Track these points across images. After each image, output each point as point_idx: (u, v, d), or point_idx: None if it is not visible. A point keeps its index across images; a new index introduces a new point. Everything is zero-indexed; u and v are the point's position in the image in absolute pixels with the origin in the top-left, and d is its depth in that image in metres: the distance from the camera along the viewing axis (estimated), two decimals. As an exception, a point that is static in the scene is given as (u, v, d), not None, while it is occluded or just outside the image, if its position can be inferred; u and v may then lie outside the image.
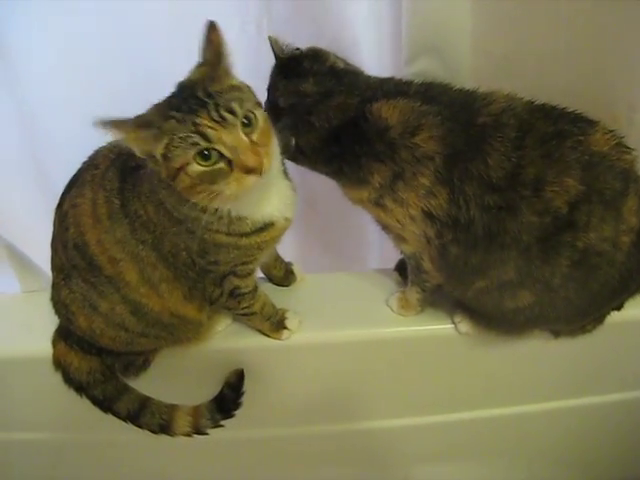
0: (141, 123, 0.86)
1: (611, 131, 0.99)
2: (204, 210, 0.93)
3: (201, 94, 0.85)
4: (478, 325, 1.18)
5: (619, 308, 1.18)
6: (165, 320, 1.08)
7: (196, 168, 0.85)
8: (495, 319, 1.14)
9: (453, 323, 1.21)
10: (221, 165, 0.86)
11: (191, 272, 1.04)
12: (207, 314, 1.14)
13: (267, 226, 1.01)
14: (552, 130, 0.97)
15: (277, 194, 1.02)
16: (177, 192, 0.91)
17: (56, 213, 1.09)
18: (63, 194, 1.08)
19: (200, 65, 0.91)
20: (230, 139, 0.85)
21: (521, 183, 0.95)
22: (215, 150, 0.85)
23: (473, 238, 0.98)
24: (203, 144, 0.84)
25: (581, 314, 1.11)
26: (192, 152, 0.84)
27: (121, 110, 1.10)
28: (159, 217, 0.98)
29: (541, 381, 1.36)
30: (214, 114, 0.84)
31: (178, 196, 0.93)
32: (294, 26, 1.23)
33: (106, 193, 1.01)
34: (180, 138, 0.83)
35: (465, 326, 1.19)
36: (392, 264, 1.36)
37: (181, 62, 0.91)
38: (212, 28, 0.89)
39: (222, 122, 0.84)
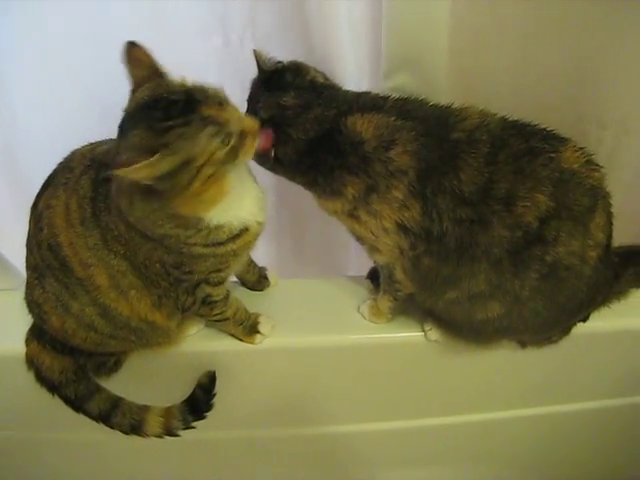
0: (146, 153, 0.82)
1: (581, 148, 1.01)
2: (185, 226, 0.95)
3: (177, 96, 0.87)
4: (447, 334, 1.20)
5: (585, 320, 1.20)
6: (133, 324, 1.08)
7: (220, 154, 0.88)
8: (465, 329, 1.15)
9: (423, 331, 1.23)
10: (235, 140, 0.90)
11: (163, 281, 1.04)
12: (177, 321, 1.14)
13: (242, 232, 1.02)
14: (524, 147, 0.98)
15: (249, 198, 1.03)
16: (156, 212, 0.92)
17: (31, 213, 1.09)
18: (39, 194, 1.08)
19: (139, 87, 0.91)
20: (235, 115, 0.90)
21: (493, 198, 0.96)
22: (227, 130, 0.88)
23: (445, 250, 1.00)
24: (223, 130, 0.87)
25: (549, 325, 1.13)
26: (217, 141, 0.87)
27: (100, 109, 1.11)
28: (131, 235, 0.98)
29: (508, 389, 1.38)
30: (211, 102, 0.87)
31: (156, 217, 0.93)
32: (277, 38, 1.24)
33: (79, 199, 1.01)
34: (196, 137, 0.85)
35: (434, 334, 1.21)
36: (366, 271, 1.37)
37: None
38: (134, 47, 0.90)
39: (223, 105, 0.89)
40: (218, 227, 0.98)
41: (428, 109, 1.05)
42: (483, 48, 1.12)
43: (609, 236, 1.05)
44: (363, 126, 1.01)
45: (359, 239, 1.14)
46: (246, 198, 1.02)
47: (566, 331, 1.21)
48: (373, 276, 1.32)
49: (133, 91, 0.92)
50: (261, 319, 1.22)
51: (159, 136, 0.84)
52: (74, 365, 1.18)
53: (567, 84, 1.17)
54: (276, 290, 1.35)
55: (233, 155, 0.90)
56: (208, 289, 1.08)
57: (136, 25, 1.22)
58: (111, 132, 1.06)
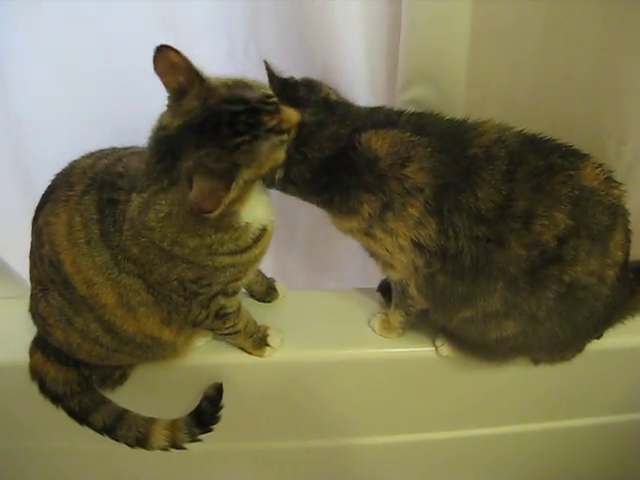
0: (220, 175, 0.83)
1: (600, 165, 1.00)
2: (226, 228, 0.94)
3: (237, 107, 0.85)
4: (460, 350, 1.18)
5: (598, 337, 1.18)
6: (139, 340, 1.06)
7: (280, 157, 0.92)
8: (478, 347, 1.14)
9: (434, 346, 1.21)
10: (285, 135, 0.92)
11: (177, 296, 1.03)
12: (185, 336, 1.12)
13: (262, 233, 1.00)
14: (543, 164, 0.96)
15: (262, 195, 1.02)
16: (192, 224, 0.91)
17: (32, 226, 1.06)
18: (38, 207, 1.05)
19: (179, 95, 0.87)
20: (287, 114, 0.92)
21: (510, 216, 0.94)
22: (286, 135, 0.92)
23: (461, 268, 0.98)
24: (284, 137, 0.91)
25: (564, 345, 1.12)
26: (280, 148, 0.91)
27: (106, 113, 1.10)
28: (147, 257, 0.96)
29: (518, 404, 1.36)
30: (270, 108, 0.88)
31: (198, 226, 0.92)
32: (282, 50, 1.22)
33: (83, 220, 0.98)
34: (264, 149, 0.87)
35: (446, 350, 1.20)
36: (375, 282, 1.35)
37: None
38: (166, 51, 0.84)
39: (277, 106, 0.89)
40: (247, 226, 0.97)
41: (444, 124, 1.03)
42: (503, 60, 1.10)
43: (627, 254, 1.03)
44: (378, 143, 0.99)
45: (373, 255, 1.12)
46: (261, 196, 1.01)
47: (580, 349, 1.19)
48: (384, 289, 1.31)
49: (173, 101, 0.89)
50: (270, 332, 1.21)
51: (230, 155, 0.84)
52: (79, 377, 1.16)
53: (587, 97, 1.15)
54: (284, 302, 1.33)
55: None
56: (223, 300, 1.06)
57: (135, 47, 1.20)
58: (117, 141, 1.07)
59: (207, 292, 1.03)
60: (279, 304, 1.33)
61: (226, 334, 1.15)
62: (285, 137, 0.91)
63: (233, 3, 1.17)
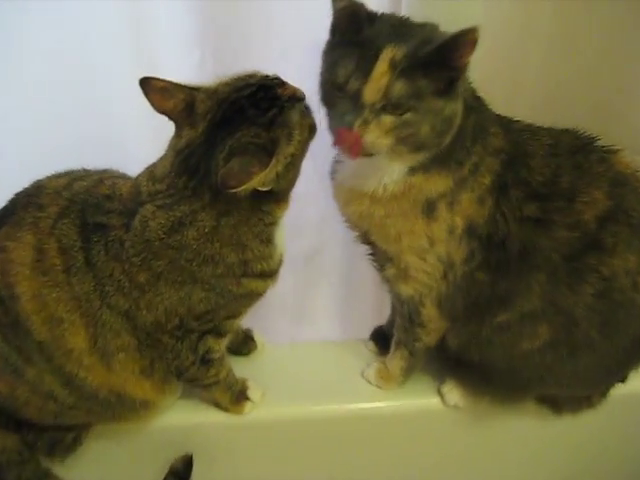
0: (261, 150, 0.83)
1: (630, 158, 1.00)
2: (268, 240, 0.91)
3: (251, 89, 0.85)
4: (470, 392, 1.10)
5: (623, 380, 1.12)
6: (102, 396, 0.93)
7: (312, 119, 0.92)
8: (495, 377, 1.06)
9: (440, 394, 1.11)
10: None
11: (168, 338, 0.92)
12: (164, 392, 1.00)
13: (280, 262, 0.97)
14: (579, 143, 0.99)
15: (283, 227, 0.97)
16: (248, 230, 0.88)
17: None
18: None
19: (180, 114, 0.86)
20: (293, 88, 0.91)
21: (557, 193, 0.95)
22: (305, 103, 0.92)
23: (505, 259, 0.96)
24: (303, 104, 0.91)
25: (595, 372, 1.05)
26: (306, 116, 0.90)
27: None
28: (156, 284, 0.87)
29: (534, 462, 1.23)
30: (277, 82, 0.89)
31: (244, 237, 0.88)
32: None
33: (61, 245, 0.88)
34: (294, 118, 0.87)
35: (454, 396, 1.11)
36: (360, 333, 1.26)
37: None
38: (151, 81, 0.84)
39: (282, 81, 0.90)
40: (276, 248, 0.94)
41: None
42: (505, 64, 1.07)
43: None
44: None
45: (390, 261, 1.01)
46: (283, 226, 0.96)
47: (604, 393, 1.12)
48: (378, 336, 1.23)
49: (182, 121, 0.86)
50: (250, 384, 1.09)
51: (267, 131, 0.83)
52: (20, 443, 0.99)
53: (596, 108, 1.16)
54: (263, 355, 1.21)
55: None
56: (211, 342, 0.97)
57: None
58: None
59: (200, 329, 0.94)
60: (258, 357, 1.20)
61: (206, 385, 1.03)
62: (306, 109, 0.90)
63: (204, 16, 1.12)
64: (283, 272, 0.98)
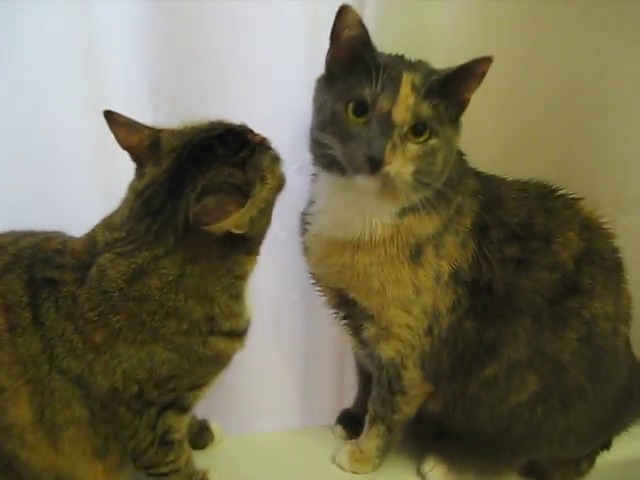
0: (235, 191, 0.79)
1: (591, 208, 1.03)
2: (237, 296, 0.85)
3: (220, 131, 0.83)
4: (454, 468, 1.03)
5: (607, 446, 1.08)
6: None
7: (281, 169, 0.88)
8: (482, 443, 1.01)
9: (420, 475, 1.03)
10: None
11: (126, 411, 0.82)
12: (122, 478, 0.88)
13: (247, 327, 0.90)
14: (545, 190, 1.02)
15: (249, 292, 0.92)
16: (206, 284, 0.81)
17: None
18: None
19: (144, 148, 0.82)
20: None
21: (533, 234, 0.96)
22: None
23: (491, 302, 0.94)
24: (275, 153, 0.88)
25: (586, 427, 1.00)
26: (278, 164, 0.88)
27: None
28: (114, 343, 0.78)
29: None
30: (245, 129, 0.86)
31: (206, 290, 0.82)
32: None
33: (5, 301, 0.79)
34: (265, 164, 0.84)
35: (437, 475, 1.03)
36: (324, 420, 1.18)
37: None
38: (113, 115, 0.81)
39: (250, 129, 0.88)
40: (245, 308, 0.88)
41: None
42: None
43: (628, 321, 1.03)
44: None
45: (371, 321, 0.96)
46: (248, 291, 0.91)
47: (592, 460, 1.08)
48: (346, 420, 1.15)
49: (147, 159, 0.82)
50: (211, 475, 0.97)
51: (241, 171, 0.80)
52: None
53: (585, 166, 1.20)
54: (222, 447, 1.08)
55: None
56: (172, 418, 0.87)
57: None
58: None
59: (162, 401, 0.84)
60: (216, 450, 1.07)
61: (164, 474, 0.91)
62: (275, 153, 0.86)
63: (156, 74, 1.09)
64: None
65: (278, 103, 1.08)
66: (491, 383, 0.96)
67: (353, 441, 1.06)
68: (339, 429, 1.14)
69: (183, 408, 0.88)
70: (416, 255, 0.92)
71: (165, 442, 0.88)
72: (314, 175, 0.98)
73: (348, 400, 1.19)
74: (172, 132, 0.82)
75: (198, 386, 0.88)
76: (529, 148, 1.17)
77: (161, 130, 0.82)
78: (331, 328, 1.10)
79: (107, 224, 0.82)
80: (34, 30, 0.99)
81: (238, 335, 0.88)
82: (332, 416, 1.18)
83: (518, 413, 0.97)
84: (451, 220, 0.94)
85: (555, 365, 0.96)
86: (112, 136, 0.82)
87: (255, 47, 1.06)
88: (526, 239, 0.96)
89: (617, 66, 1.15)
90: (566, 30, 1.13)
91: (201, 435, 1.07)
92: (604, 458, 1.07)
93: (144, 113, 0.98)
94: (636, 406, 1.07)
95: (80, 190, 1.06)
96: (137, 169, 0.82)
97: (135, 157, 0.82)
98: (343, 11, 0.84)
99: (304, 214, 0.98)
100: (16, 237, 0.85)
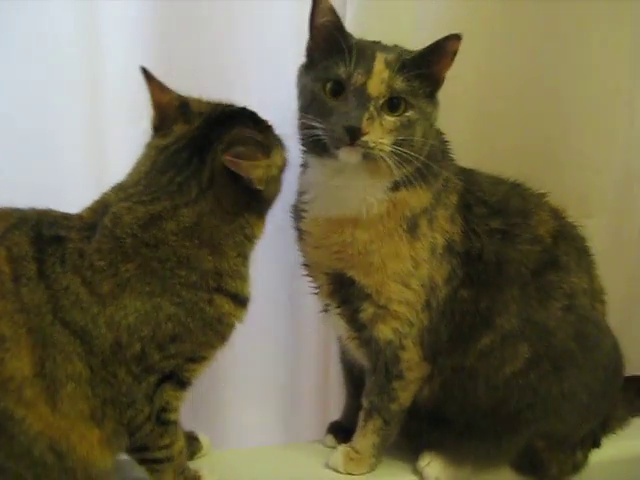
0: (260, 146, 0.84)
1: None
2: (245, 256, 0.89)
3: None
4: (451, 460, 1.03)
5: (597, 444, 1.12)
6: (38, 452, 0.76)
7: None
8: (480, 424, 1.02)
9: (418, 472, 1.02)
10: None
11: (125, 373, 0.81)
12: (116, 449, 0.85)
13: (250, 294, 0.91)
14: (514, 182, 1.09)
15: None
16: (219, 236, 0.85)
17: None
18: None
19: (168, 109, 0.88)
20: None
21: (512, 211, 1.04)
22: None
23: (484, 270, 1.00)
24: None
25: (581, 396, 1.03)
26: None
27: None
28: (122, 294, 0.80)
29: None
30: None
31: (218, 242, 0.85)
32: None
33: (10, 254, 0.79)
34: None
35: (435, 469, 1.03)
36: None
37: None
38: (151, 78, 0.88)
39: None
40: (249, 276, 0.90)
41: None
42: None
43: (603, 302, 1.12)
44: None
45: (369, 301, 0.98)
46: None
47: (586, 452, 1.10)
48: (336, 429, 1.14)
49: (172, 119, 0.87)
50: (203, 473, 0.95)
51: (263, 134, 0.85)
52: None
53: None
54: (210, 460, 1.04)
55: None
56: (170, 392, 0.86)
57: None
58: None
59: (163, 368, 0.84)
60: (204, 462, 1.02)
61: (157, 459, 0.89)
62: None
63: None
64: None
65: (278, 103, 1.10)
66: (487, 353, 1.00)
67: (347, 444, 1.04)
68: (330, 438, 1.12)
69: (182, 382, 0.88)
70: (412, 228, 0.96)
71: (161, 421, 0.87)
72: (303, 166, 1.01)
73: (333, 416, 1.17)
74: (197, 99, 0.90)
75: (198, 359, 0.89)
76: (494, 159, 1.21)
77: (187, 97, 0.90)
78: (315, 344, 1.12)
79: (120, 187, 0.86)
80: (34, 27, 1.03)
81: (241, 302, 0.89)
82: (318, 432, 1.16)
83: (513, 383, 0.99)
84: (440, 194, 0.99)
85: (543, 331, 1.01)
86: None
87: (252, 47, 1.13)
88: (507, 214, 1.03)
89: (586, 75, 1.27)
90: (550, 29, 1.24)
91: (189, 444, 1.02)
92: (597, 457, 1.09)
93: (144, 111, 1.02)
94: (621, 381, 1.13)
95: (79, 189, 1.06)
96: (157, 129, 0.88)
97: (161, 116, 0.87)
98: (317, 1, 0.92)
99: (296, 204, 1.02)
100: (19, 209, 0.86)
